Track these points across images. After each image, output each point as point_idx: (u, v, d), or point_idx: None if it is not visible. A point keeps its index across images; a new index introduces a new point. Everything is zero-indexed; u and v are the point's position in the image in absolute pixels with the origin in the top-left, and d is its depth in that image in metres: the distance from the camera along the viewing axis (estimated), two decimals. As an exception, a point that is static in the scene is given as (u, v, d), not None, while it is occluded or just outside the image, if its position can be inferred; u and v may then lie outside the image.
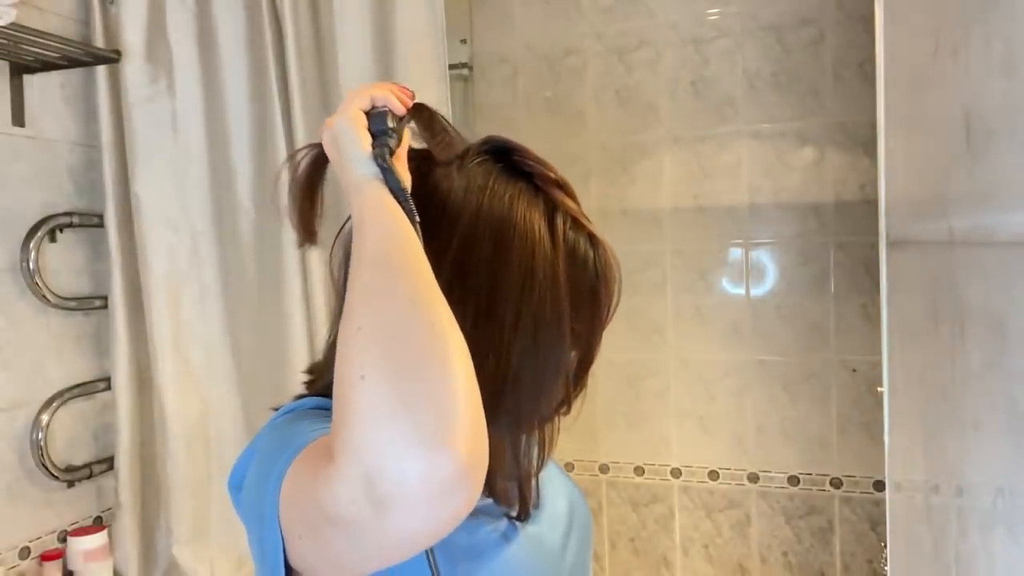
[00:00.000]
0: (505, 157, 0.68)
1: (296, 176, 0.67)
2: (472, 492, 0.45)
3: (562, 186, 0.68)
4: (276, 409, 0.67)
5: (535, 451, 0.69)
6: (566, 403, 0.67)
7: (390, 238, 0.54)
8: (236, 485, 0.62)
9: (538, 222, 0.64)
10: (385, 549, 0.47)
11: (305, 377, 0.71)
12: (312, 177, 0.67)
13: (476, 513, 0.64)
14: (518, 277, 0.62)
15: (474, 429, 0.45)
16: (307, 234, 0.67)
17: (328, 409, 0.60)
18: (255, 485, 0.57)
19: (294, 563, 0.53)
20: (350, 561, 0.49)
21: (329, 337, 0.70)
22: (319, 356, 0.72)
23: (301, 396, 0.68)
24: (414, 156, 0.66)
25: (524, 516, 0.67)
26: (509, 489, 0.66)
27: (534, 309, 0.62)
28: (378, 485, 0.43)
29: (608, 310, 0.68)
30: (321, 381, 0.68)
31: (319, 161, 0.66)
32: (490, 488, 0.65)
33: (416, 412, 0.44)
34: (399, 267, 0.52)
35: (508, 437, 0.64)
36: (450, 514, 0.45)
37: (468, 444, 0.44)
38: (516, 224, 0.63)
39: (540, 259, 0.63)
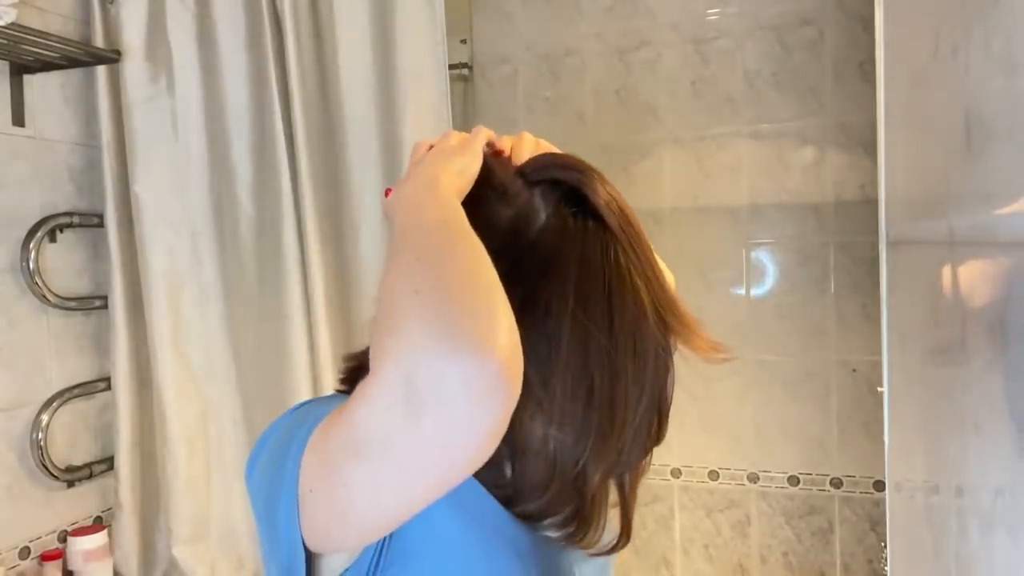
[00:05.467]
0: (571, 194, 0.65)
1: None
2: (506, 403, 0.46)
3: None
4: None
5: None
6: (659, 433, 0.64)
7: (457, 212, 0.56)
8: (251, 472, 0.61)
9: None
10: (408, 471, 0.47)
11: (343, 364, 0.69)
12: None
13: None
14: (632, 312, 0.59)
15: (512, 342, 0.47)
16: None
17: None
18: (270, 459, 0.56)
19: (305, 533, 0.52)
20: (360, 505, 0.49)
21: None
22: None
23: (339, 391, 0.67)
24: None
25: (580, 537, 0.61)
26: (566, 508, 0.61)
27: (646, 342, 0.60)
28: (418, 386, 0.45)
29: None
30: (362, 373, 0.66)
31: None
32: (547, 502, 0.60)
33: (465, 321, 0.46)
34: (462, 232, 0.54)
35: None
36: (483, 425, 0.46)
37: (507, 354, 0.46)
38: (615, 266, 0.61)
39: (644, 292, 0.60)
